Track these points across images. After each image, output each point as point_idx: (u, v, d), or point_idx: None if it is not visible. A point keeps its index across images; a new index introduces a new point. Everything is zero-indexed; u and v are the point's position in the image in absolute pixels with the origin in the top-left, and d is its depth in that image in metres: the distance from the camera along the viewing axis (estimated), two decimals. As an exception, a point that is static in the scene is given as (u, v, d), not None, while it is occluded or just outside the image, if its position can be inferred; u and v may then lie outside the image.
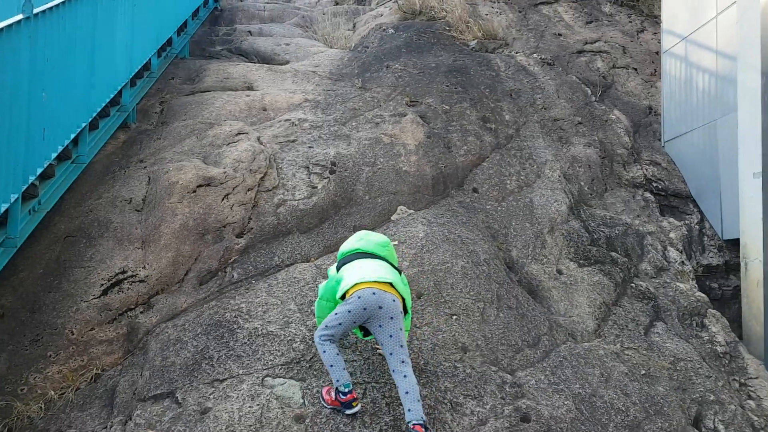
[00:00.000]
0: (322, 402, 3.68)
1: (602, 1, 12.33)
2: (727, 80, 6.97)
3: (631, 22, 11.61)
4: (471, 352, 4.25)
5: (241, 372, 3.84)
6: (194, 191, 5.45)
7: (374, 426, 3.53)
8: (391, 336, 3.59)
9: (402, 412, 3.54)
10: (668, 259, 6.65)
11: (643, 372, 4.61)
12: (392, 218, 6.05)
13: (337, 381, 3.55)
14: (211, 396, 3.66)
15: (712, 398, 4.58)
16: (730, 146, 6.76)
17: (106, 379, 4.10)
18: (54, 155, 4.98)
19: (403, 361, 3.55)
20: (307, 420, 3.50)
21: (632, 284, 5.83)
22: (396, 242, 5.30)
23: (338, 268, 3.95)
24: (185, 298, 4.71)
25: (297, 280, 4.83)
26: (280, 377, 3.80)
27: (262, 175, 5.95)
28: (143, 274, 4.77)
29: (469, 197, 6.72)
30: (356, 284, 3.70)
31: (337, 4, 14.97)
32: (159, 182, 5.59)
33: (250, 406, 3.55)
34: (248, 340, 4.10)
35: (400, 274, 4.03)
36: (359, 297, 3.63)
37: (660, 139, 8.57)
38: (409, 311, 3.89)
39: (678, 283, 6.11)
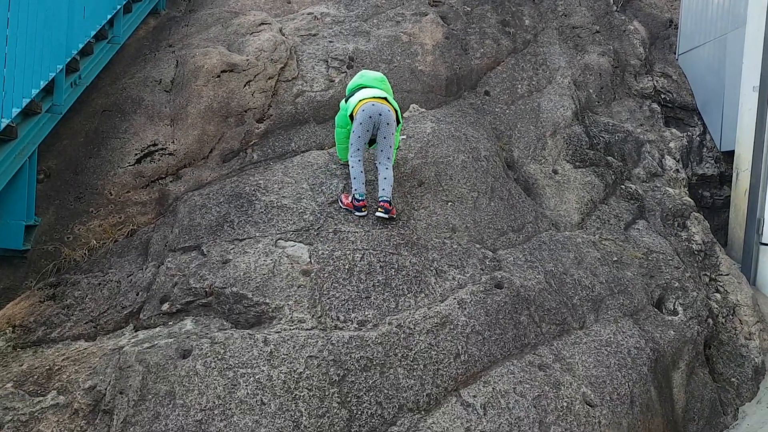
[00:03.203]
0: (340, 203, 4.72)
1: None
2: (742, -7, 7.07)
3: (667, -71, 11.33)
4: (460, 232, 4.77)
5: (257, 234, 4.42)
6: (218, 76, 5.88)
7: (368, 282, 4.12)
8: (385, 137, 4.70)
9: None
10: (663, 167, 7.02)
11: (615, 259, 5.12)
12: (404, 115, 6.43)
13: (356, 190, 4.63)
14: (232, 251, 4.26)
15: (676, 285, 5.10)
16: (737, 60, 6.95)
17: (141, 234, 4.73)
18: (93, 33, 5.42)
19: (388, 158, 4.71)
20: (312, 274, 4.09)
21: (623, 186, 6.25)
22: (404, 136, 5.75)
23: (346, 101, 4.95)
24: (210, 172, 5.25)
25: (311, 164, 5.32)
26: (291, 241, 4.38)
27: (282, 65, 6.33)
28: (172, 148, 5.30)
29: (480, 99, 7.06)
30: (359, 102, 4.72)
31: None
32: (186, 66, 6.01)
33: (264, 260, 4.15)
34: (264, 210, 4.65)
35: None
36: (363, 109, 4.67)
37: (675, 52, 8.70)
38: (401, 122, 4.97)
39: (668, 188, 6.52)
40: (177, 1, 8.02)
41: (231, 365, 3.38)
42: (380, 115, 4.67)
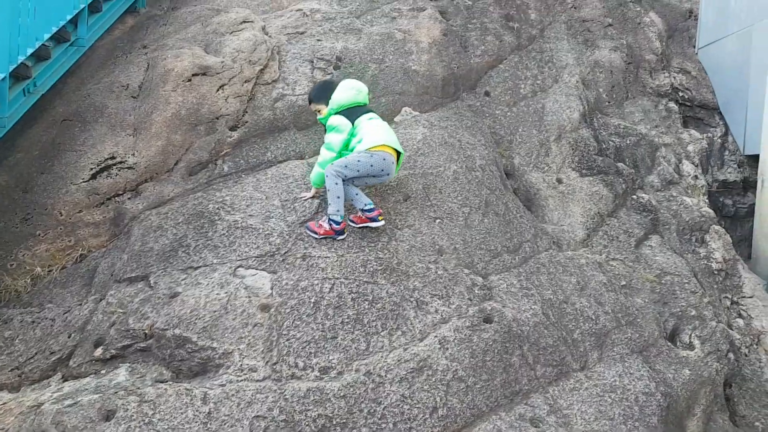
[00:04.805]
0: (313, 235, 4.11)
1: None
2: (770, -20, 6.43)
3: None
4: (447, 255, 4.24)
5: (215, 261, 3.92)
6: (189, 80, 5.39)
7: (336, 318, 3.61)
8: (367, 184, 4.31)
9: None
10: (681, 173, 6.42)
11: (624, 283, 4.56)
12: (396, 119, 5.90)
13: (338, 212, 4.06)
14: (183, 282, 3.76)
15: (693, 313, 4.52)
16: (763, 54, 6.33)
17: (90, 260, 4.26)
18: (47, 36, 4.93)
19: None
20: (272, 309, 3.59)
21: (634, 196, 5.67)
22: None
23: (351, 121, 4.30)
24: (173, 187, 4.77)
25: (286, 176, 4.81)
26: (252, 268, 3.87)
27: (261, 67, 5.83)
28: (132, 161, 4.82)
29: (480, 101, 6.51)
30: (383, 145, 4.17)
31: None
32: (156, 69, 5.53)
33: (217, 294, 3.65)
34: (227, 231, 4.16)
35: None
36: (384, 159, 4.14)
37: (695, 46, 8.06)
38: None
39: (685, 198, 5.92)
40: (160, -2, 7.57)
41: (158, 431, 2.89)
42: (387, 174, 4.24)
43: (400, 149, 4.33)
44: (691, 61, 7.88)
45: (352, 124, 4.32)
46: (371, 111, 4.47)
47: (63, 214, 4.50)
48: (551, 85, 6.78)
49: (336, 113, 4.36)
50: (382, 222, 4.22)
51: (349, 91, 4.43)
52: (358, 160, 4.10)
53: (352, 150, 4.28)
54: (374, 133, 4.21)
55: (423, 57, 6.49)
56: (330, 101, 4.42)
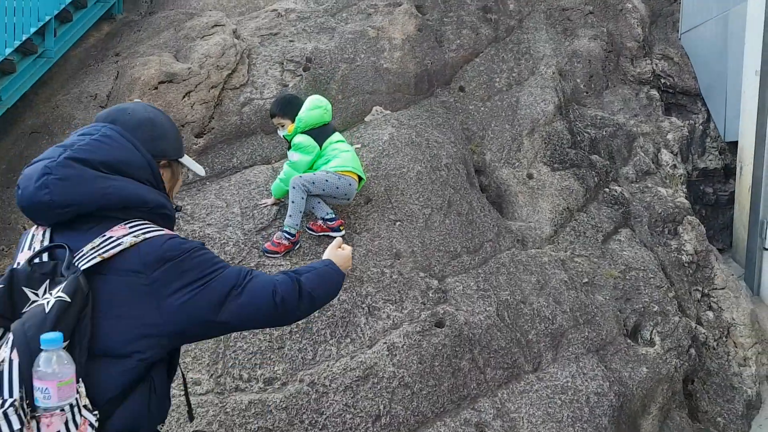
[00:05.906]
0: (274, 256, 4.07)
1: None
2: (745, -36, 6.30)
3: None
4: (404, 259, 4.24)
5: (170, 272, 3.95)
6: (156, 88, 5.42)
7: (285, 327, 3.63)
8: (325, 201, 4.28)
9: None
10: (659, 162, 6.36)
11: (586, 281, 4.53)
12: (366, 119, 5.89)
13: (296, 225, 4.11)
14: (136, 294, 3.80)
15: (656, 309, 4.49)
16: (739, 40, 6.22)
17: (51, 274, 4.31)
18: (9, 50, 4.98)
19: None
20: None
21: (606, 189, 5.62)
22: (359, 145, 5.24)
23: (319, 143, 4.32)
24: (137, 197, 4.80)
25: (249, 183, 4.83)
26: (205, 278, 3.90)
27: (229, 71, 5.83)
28: (96, 172, 4.87)
29: (454, 96, 6.48)
30: (350, 171, 4.25)
31: None
32: (124, 78, 5.57)
33: (168, 306, 3.68)
34: (184, 241, 4.18)
35: None
36: (350, 185, 4.22)
37: (678, 31, 7.94)
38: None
39: (660, 188, 5.86)
40: (139, 3, 7.59)
41: (94, 448, 2.94)
42: (348, 199, 4.32)
43: (363, 176, 4.38)
44: (673, 47, 7.76)
45: (320, 146, 4.32)
46: (336, 131, 4.52)
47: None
48: (527, 78, 6.72)
49: (302, 132, 4.34)
50: (343, 232, 4.26)
51: (317, 110, 4.37)
52: (326, 180, 4.14)
53: (316, 169, 4.29)
54: (343, 158, 4.28)
55: (395, 54, 6.45)
56: (297, 119, 4.35)
